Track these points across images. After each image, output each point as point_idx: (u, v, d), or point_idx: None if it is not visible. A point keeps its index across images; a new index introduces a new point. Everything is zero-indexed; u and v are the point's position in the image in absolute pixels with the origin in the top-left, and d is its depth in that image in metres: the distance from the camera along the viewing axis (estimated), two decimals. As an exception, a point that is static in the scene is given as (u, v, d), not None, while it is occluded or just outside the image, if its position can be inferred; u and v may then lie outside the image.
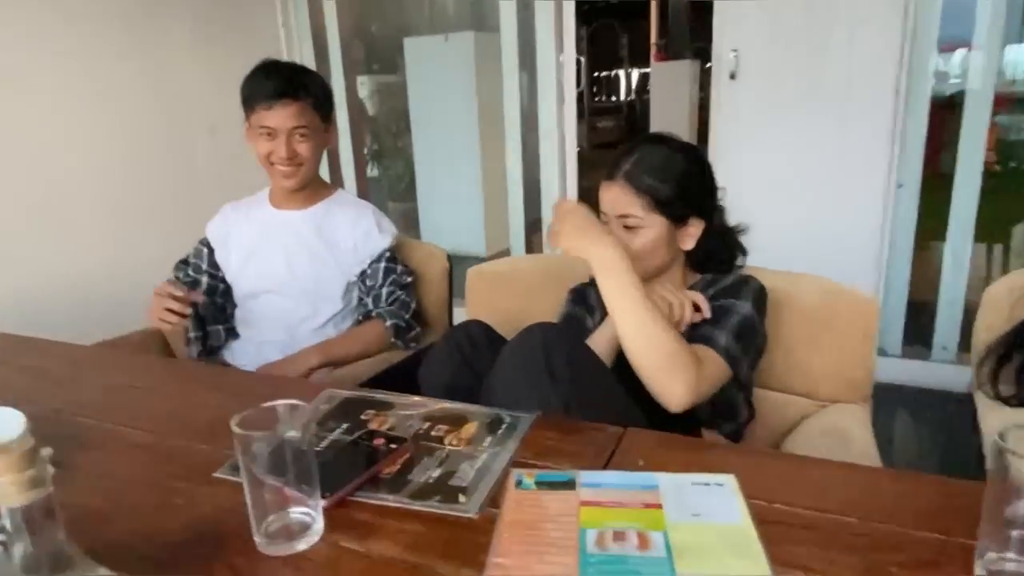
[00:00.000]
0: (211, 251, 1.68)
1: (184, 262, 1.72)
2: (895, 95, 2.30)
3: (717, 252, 1.18)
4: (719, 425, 1.13)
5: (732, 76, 2.54)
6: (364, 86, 5.21)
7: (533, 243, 3.59)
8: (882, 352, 2.51)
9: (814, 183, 2.50)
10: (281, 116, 1.46)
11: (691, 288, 1.15)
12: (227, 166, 2.80)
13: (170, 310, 1.38)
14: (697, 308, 1.09)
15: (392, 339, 1.55)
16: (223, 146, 2.82)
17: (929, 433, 2.30)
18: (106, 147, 2.46)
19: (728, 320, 1.08)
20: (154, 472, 0.84)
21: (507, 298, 1.47)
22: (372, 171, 5.04)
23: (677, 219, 1.13)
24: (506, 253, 3.56)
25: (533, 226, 3.46)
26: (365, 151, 4.55)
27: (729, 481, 0.74)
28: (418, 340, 1.61)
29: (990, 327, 1.20)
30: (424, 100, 4.69)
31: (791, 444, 1.13)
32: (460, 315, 1.62)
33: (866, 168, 2.39)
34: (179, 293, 1.39)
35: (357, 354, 1.54)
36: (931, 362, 2.45)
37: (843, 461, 0.80)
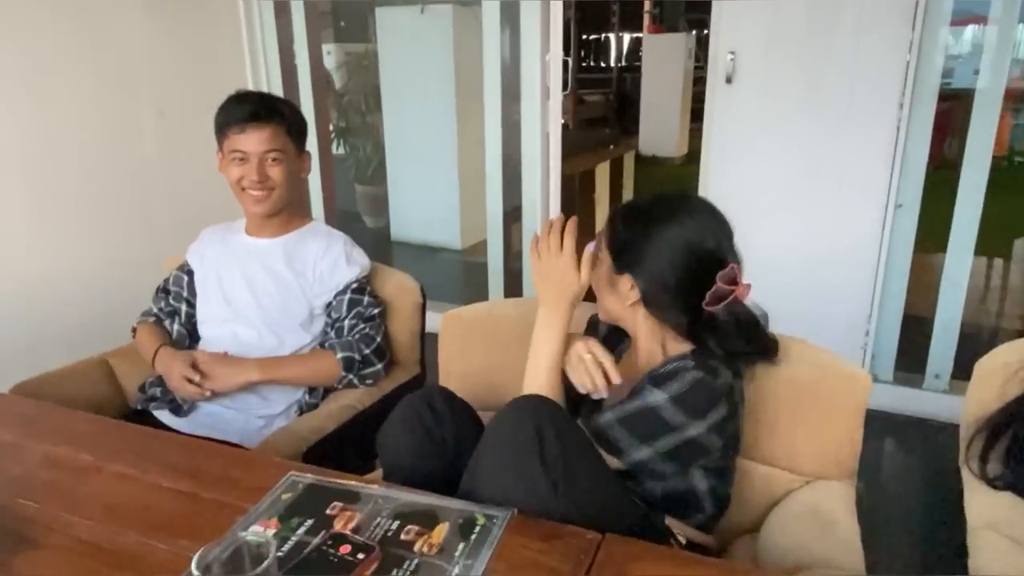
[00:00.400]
0: (191, 278, 1.71)
1: (165, 291, 1.74)
2: (899, 109, 2.34)
3: (699, 336, 1.14)
4: (688, 516, 1.14)
5: (728, 80, 2.55)
6: (331, 56, 5.11)
7: (511, 233, 3.60)
8: (874, 378, 2.57)
9: (810, 198, 2.54)
10: (253, 140, 1.51)
11: (663, 362, 1.14)
12: (177, 153, 2.75)
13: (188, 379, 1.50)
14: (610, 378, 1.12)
15: (343, 373, 1.58)
16: (172, 131, 2.76)
17: (917, 465, 2.39)
18: (41, 133, 2.37)
19: (626, 405, 1.09)
20: (107, 581, 0.85)
21: (483, 351, 1.49)
22: (337, 149, 4.97)
23: (617, 266, 1.16)
24: (483, 245, 3.57)
25: (512, 214, 3.46)
26: (330, 128, 4.49)
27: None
28: (377, 378, 1.63)
29: (980, 401, 1.25)
30: (397, 75, 4.62)
31: (772, 525, 1.17)
32: (432, 341, 1.62)
33: (865, 188, 2.44)
34: (195, 377, 1.50)
35: (301, 380, 1.60)
36: (923, 391, 2.53)
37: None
